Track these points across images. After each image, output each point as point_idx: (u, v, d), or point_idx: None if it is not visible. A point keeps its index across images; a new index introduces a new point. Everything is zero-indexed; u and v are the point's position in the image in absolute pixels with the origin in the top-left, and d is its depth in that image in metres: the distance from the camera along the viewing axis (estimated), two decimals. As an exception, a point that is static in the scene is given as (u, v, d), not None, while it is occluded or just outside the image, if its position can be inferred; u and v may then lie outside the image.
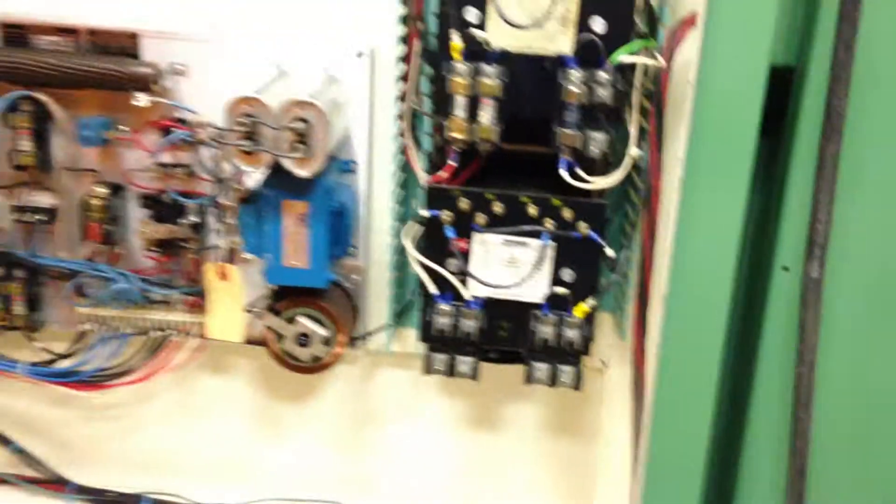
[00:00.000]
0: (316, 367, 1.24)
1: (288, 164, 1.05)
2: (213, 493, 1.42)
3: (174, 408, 1.41)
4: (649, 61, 0.99)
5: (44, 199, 1.22)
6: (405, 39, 1.09)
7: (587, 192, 1.05)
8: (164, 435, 1.42)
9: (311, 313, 1.21)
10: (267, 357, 1.24)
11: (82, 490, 1.41)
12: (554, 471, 1.42)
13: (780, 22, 0.92)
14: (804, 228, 0.99)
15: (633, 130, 1.03)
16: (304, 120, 1.03)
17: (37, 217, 1.21)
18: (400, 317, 1.29)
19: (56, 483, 1.41)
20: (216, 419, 1.41)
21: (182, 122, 1.17)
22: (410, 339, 1.29)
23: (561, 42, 0.98)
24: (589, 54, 0.98)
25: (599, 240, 1.07)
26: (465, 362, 1.14)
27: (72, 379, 1.29)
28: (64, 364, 1.30)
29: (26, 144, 1.17)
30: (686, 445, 1.06)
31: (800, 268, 1.01)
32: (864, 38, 0.91)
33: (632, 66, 1.00)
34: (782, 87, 0.98)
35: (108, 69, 1.12)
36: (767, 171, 1.02)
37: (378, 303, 1.27)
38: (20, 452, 1.41)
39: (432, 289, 1.11)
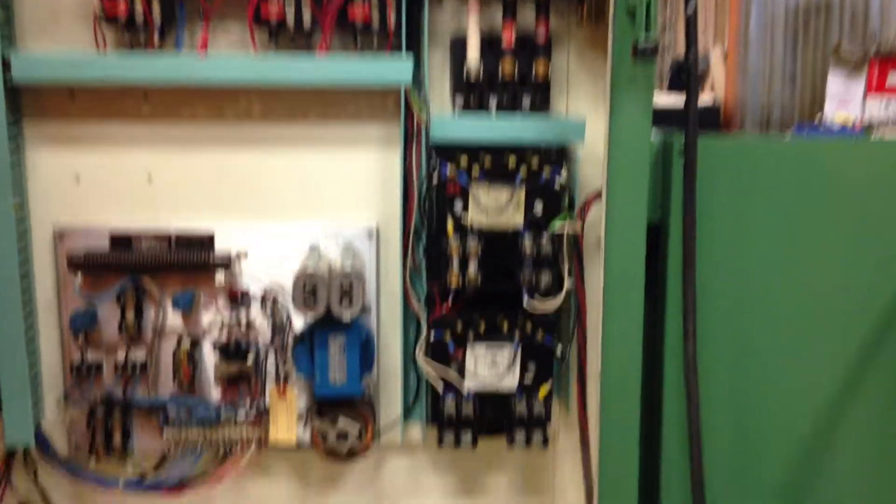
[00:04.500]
0: (351, 456, 1.69)
1: (337, 310, 1.54)
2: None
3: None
4: (569, 229, 1.55)
5: (140, 355, 1.65)
6: (404, 222, 1.61)
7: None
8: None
9: (347, 415, 1.67)
10: (294, 461, 1.73)
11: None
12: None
13: (651, 198, 1.51)
14: (679, 321, 1.56)
15: (565, 271, 1.58)
16: (349, 281, 1.53)
17: (136, 369, 1.64)
18: (406, 415, 1.76)
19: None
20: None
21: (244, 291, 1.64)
22: (415, 431, 1.76)
23: (517, 220, 1.54)
24: (534, 226, 1.54)
25: (550, 343, 1.61)
26: (466, 436, 1.64)
27: (160, 488, 1.70)
28: (151, 477, 1.71)
29: (131, 317, 1.61)
30: (623, 466, 1.59)
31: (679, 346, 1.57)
32: (701, 203, 1.51)
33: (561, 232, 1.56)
34: (654, 236, 1.56)
35: (200, 258, 1.59)
36: (652, 289, 1.58)
37: (387, 405, 1.75)
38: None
39: (440, 388, 1.60)
